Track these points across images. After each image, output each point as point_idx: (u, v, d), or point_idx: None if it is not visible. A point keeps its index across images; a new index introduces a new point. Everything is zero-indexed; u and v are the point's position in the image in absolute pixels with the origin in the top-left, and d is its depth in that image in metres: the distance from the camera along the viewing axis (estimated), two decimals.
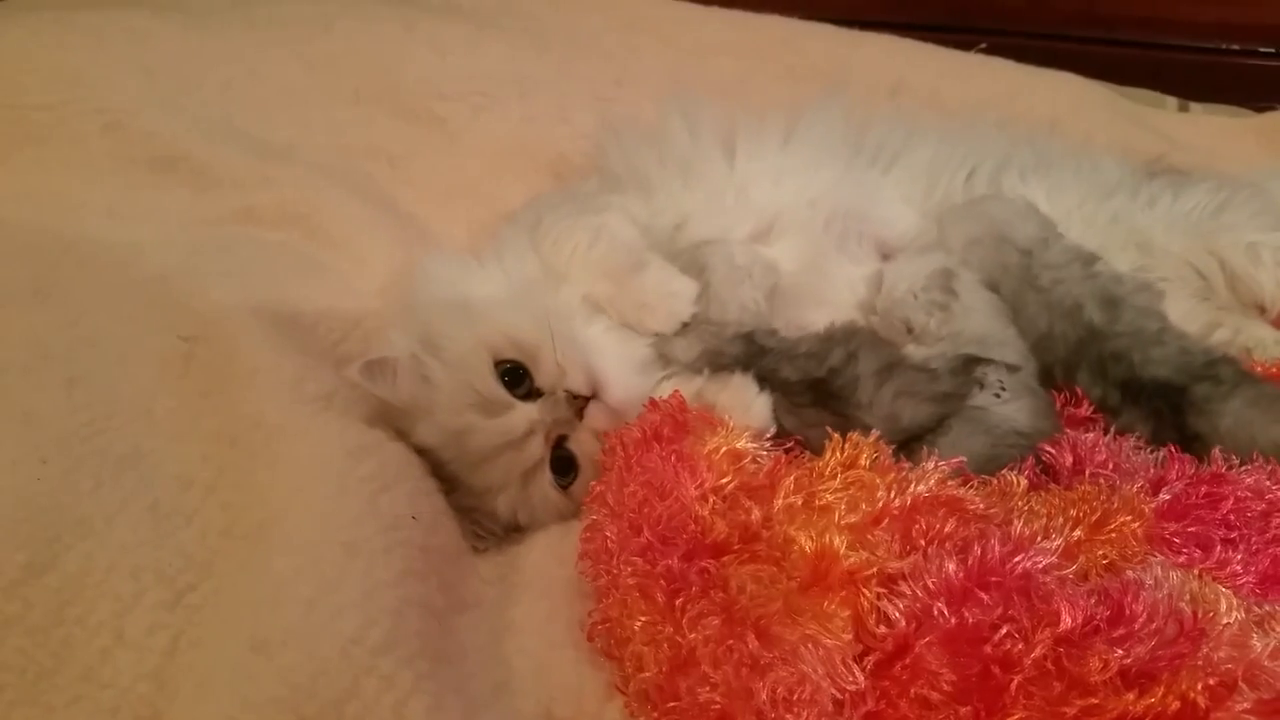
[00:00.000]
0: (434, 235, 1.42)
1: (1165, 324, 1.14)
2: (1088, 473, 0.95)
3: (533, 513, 1.05)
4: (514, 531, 1.05)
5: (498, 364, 1.05)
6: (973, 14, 2.10)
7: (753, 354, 1.12)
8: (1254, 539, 0.87)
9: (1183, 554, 0.85)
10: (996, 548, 0.76)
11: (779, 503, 0.85)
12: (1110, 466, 0.97)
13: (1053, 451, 0.99)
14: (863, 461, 0.88)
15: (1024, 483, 0.92)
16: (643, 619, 0.79)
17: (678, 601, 0.79)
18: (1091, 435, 1.03)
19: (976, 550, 0.76)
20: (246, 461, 0.91)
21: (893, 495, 0.82)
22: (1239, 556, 0.85)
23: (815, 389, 1.06)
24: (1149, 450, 1.01)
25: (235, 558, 0.85)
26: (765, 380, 1.08)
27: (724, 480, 0.89)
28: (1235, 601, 0.74)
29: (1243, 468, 0.94)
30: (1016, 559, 0.76)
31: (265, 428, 0.94)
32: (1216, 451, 0.96)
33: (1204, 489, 0.90)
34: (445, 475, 1.04)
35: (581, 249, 1.17)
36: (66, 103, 1.50)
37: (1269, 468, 0.94)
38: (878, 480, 0.84)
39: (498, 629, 0.89)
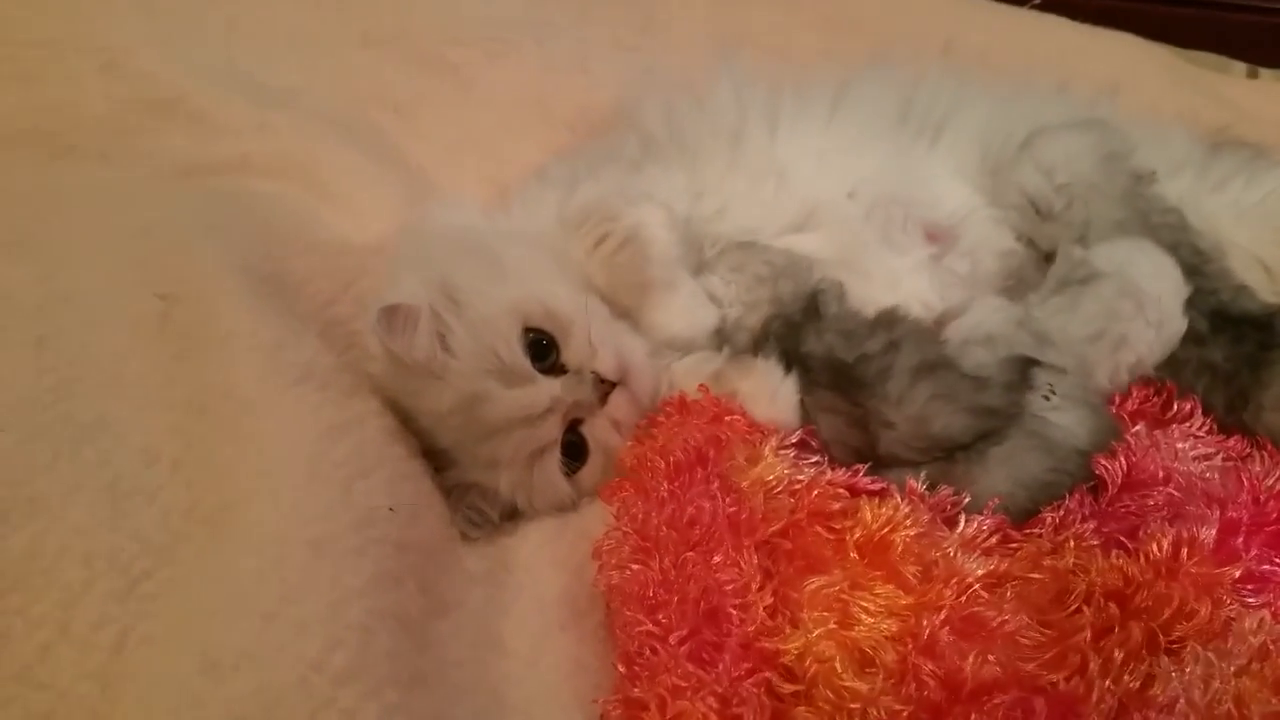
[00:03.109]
0: (441, 190, 1.34)
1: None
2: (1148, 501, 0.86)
3: (533, 496, 0.98)
4: (508, 520, 0.98)
5: (526, 331, 0.98)
6: None
7: (808, 314, 1.04)
8: None
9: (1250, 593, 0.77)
10: None
11: (812, 627, 0.77)
12: (1163, 478, 0.88)
13: (1106, 464, 0.90)
14: (898, 539, 0.81)
15: (1070, 562, 0.81)
16: None
17: None
18: (1142, 432, 0.95)
19: None
20: (213, 435, 0.84)
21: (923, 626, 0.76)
22: None
23: (836, 371, 0.97)
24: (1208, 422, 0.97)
25: (195, 543, 0.77)
26: (788, 358, 1.01)
27: (773, 529, 0.83)
28: None
29: None
30: None
31: (236, 399, 0.86)
32: None
33: (1277, 509, 0.81)
34: (441, 450, 0.97)
35: (608, 249, 1.07)
36: (61, 40, 1.45)
37: None
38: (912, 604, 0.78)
39: (483, 643, 0.83)
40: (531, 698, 0.80)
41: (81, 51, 1.43)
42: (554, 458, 0.97)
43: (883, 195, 1.21)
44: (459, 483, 0.96)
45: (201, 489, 0.81)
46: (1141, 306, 1.02)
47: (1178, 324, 1.03)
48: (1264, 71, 1.80)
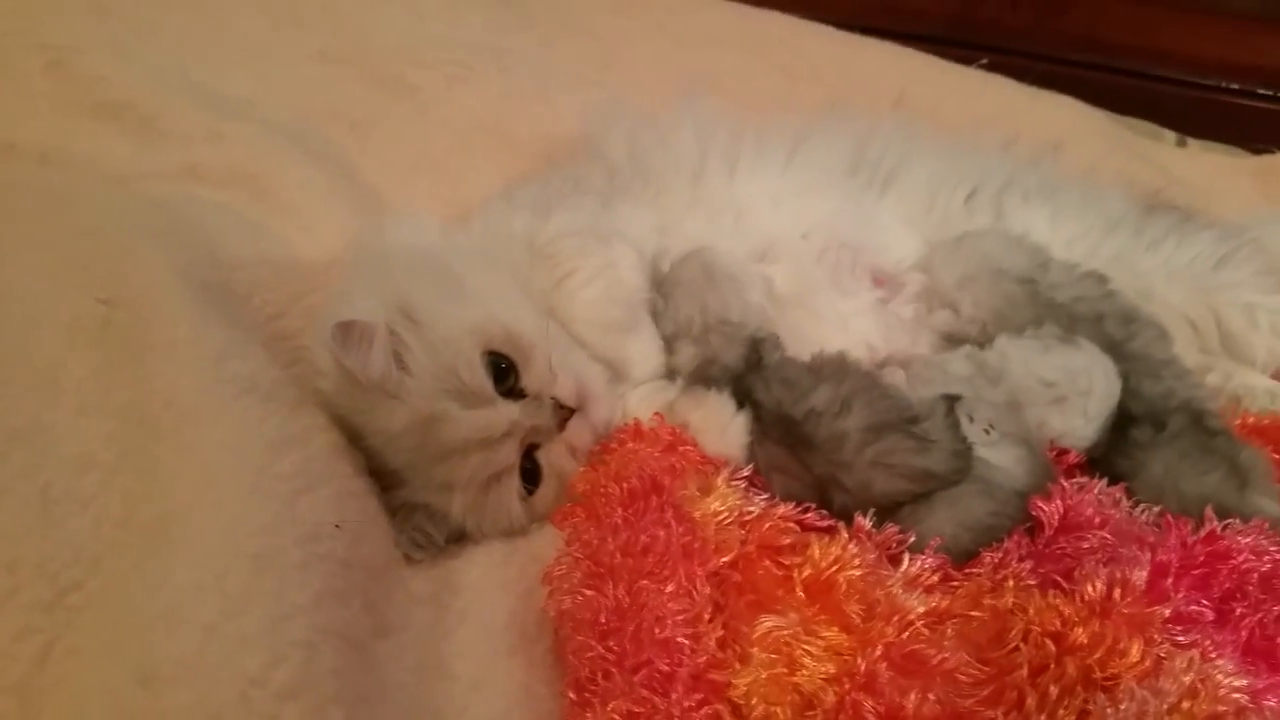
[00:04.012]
0: (394, 208, 1.33)
1: (1173, 356, 1.11)
2: (1083, 543, 0.87)
3: (484, 520, 0.97)
4: (453, 542, 0.96)
5: (486, 354, 0.96)
6: (974, 29, 2.06)
7: (751, 364, 1.04)
8: (1259, 604, 0.81)
9: (1179, 633, 0.78)
10: None
11: (760, 669, 0.77)
12: (1098, 522, 0.89)
13: (1043, 506, 0.91)
14: (842, 579, 0.82)
15: (1009, 602, 0.82)
16: None
17: None
18: (1080, 482, 0.97)
19: None
20: (152, 444, 0.81)
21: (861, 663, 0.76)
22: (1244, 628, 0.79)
23: (787, 427, 0.96)
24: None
25: (129, 554, 0.74)
26: (740, 398, 1.01)
27: (724, 560, 0.84)
28: None
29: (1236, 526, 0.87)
30: None
31: (177, 408, 0.83)
32: (1209, 511, 0.88)
33: (1203, 553, 0.83)
34: (390, 470, 0.95)
35: (577, 283, 1.07)
36: (6, 35, 1.41)
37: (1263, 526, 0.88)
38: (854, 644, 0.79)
39: (426, 665, 0.80)
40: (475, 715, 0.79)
41: (27, 48, 1.39)
42: (512, 483, 0.96)
43: (834, 239, 1.23)
44: (406, 503, 0.94)
45: (138, 498, 0.78)
46: (1089, 394, 1.04)
47: (1093, 433, 1.04)
48: (1191, 141, 1.88)
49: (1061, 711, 0.71)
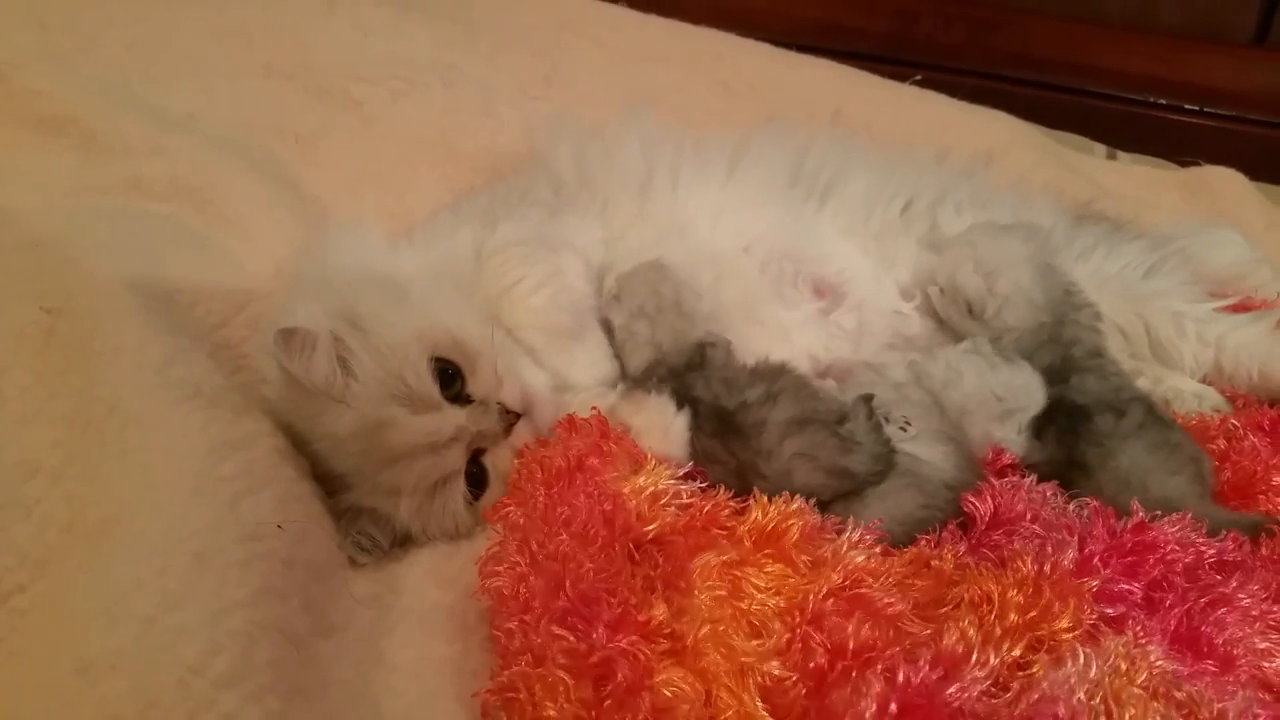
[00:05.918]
0: (337, 221, 1.32)
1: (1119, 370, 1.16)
2: (1014, 536, 0.90)
3: (429, 524, 0.98)
4: (399, 546, 0.97)
5: (432, 360, 0.98)
6: (909, 47, 2.11)
7: (691, 365, 1.07)
8: (1185, 594, 0.85)
9: (1110, 610, 0.82)
10: (925, 672, 0.72)
11: (701, 594, 0.80)
12: (1029, 517, 0.93)
13: (975, 502, 0.94)
14: (794, 528, 0.85)
15: (950, 564, 0.87)
16: (565, 706, 0.72)
17: (606, 703, 0.72)
18: (1011, 480, 1.00)
19: (901, 677, 0.71)
20: (96, 449, 0.82)
21: (809, 599, 0.79)
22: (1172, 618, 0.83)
23: (721, 419, 1.00)
24: (1064, 498, 0.99)
25: (74, 557, 0.75)
26: (679, 397, 1.03)
27: (650, 528, 0.86)
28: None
29: (1163, 519, 0.91)
30: (949, 690, 0.71)
31: (121, 413, 0.83)
32: (1136, 503, 0.92)
33: (1131, 542, 0.87)
34: (336, 475, 0.96)
35: (524, 289, 1.09)
36: None
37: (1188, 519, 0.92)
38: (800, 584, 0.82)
39: (367, 660, 0.81)
40: (415, 704, 0.79)
41: None
42: (458, 487, 0.97)
43: (776, 251, 1.26)
44: (352, 507, 0.95)
45: (83, 503, 0.79)
46: (1026, 411, 1.10)
47: (1024, 442, 1.09)
48: (1121, 154, 1.94)
49: (1008, 643, 0.76)
